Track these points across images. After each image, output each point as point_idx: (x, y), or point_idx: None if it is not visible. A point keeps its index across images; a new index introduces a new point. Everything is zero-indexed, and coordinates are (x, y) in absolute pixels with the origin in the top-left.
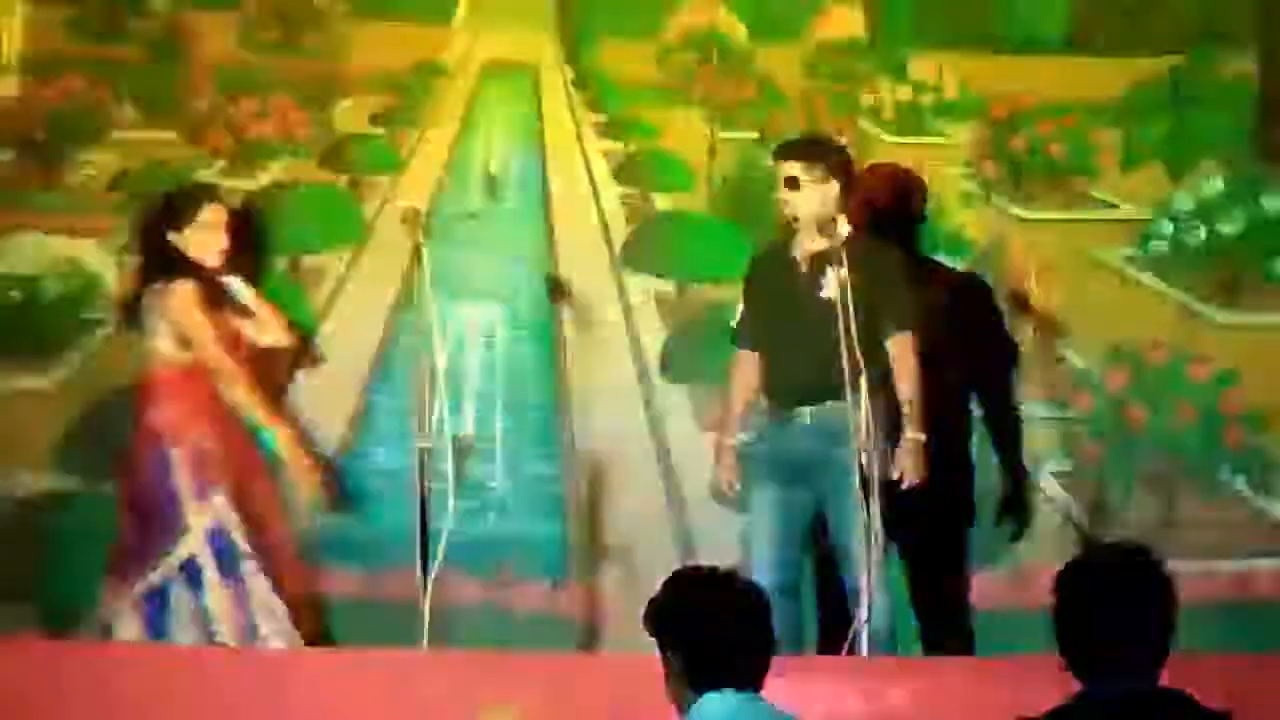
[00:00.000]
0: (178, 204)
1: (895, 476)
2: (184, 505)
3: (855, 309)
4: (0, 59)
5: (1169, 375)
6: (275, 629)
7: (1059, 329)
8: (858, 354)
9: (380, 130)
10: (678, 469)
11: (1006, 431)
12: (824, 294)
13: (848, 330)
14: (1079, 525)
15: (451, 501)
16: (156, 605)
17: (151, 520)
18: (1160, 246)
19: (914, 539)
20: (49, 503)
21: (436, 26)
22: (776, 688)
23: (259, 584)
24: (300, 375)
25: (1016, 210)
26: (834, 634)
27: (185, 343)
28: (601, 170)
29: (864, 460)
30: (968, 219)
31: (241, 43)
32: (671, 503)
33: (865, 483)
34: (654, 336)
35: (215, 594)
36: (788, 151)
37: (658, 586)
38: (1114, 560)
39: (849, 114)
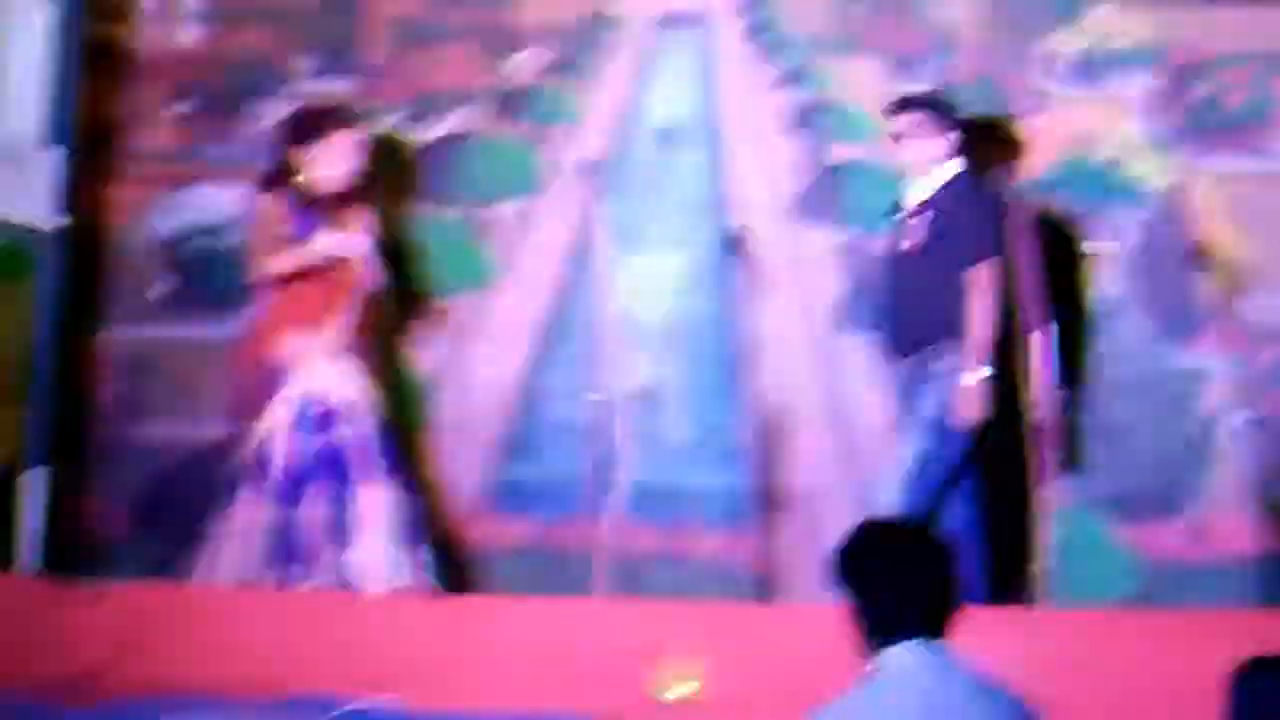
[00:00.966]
0: (305, 122)
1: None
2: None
3: (941, 254)
4: (179, 10)
5: None
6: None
7: (1241, 281)
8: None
9: (556, 81)
10: (854, 419)
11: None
12: (909, 244)
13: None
14: (1260, 478)
15: (628, 452)
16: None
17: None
18: None
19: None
20: (228, 449)
21: None
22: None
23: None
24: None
25: (1196, 162)
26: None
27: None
28: (776, 121)
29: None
30: (1146, 170)
31: None
32: (848, 453)
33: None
34: (830, 287)
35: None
36: (903, 102)
37: (833, 536)
38: None
39: (1025, 64)
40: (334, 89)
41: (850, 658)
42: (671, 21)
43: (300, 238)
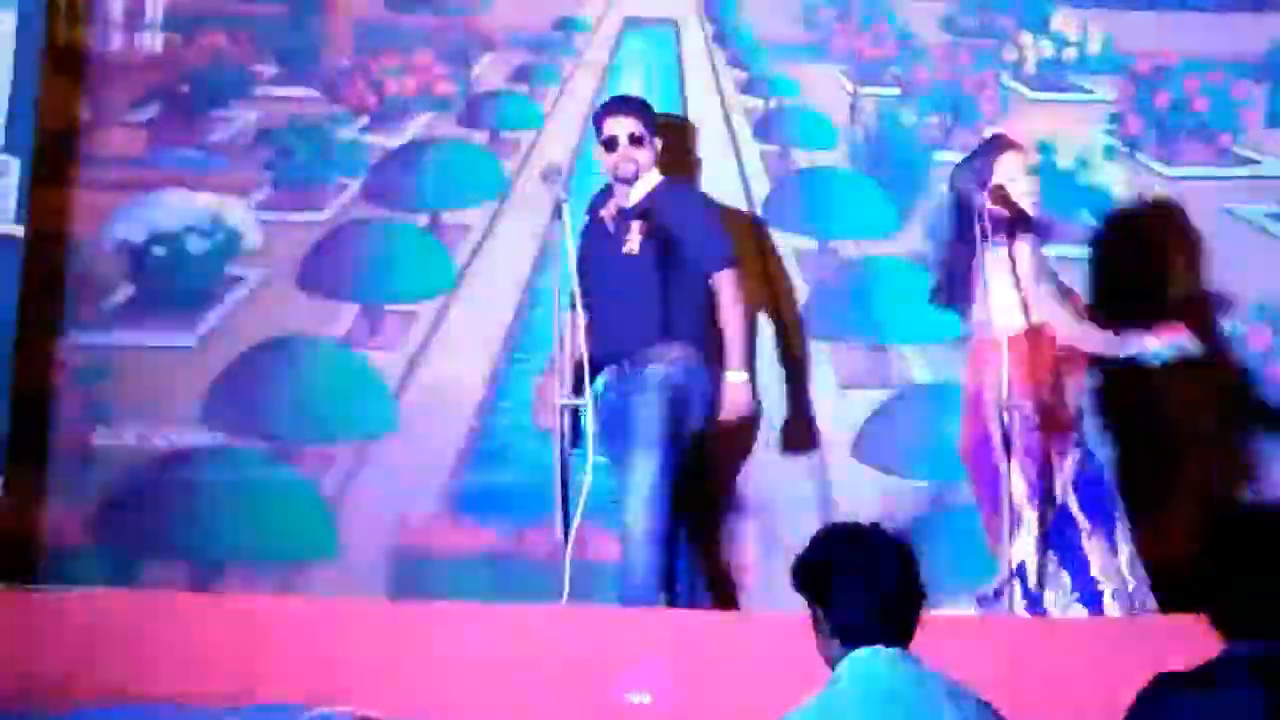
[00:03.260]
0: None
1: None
2: None
3: (667, 258)
4: (141, 15)
5: None
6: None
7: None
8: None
9: (521, 87)
10: (818, 424)
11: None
12: (628, 248)
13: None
14: (1219, 485)
15: (590, 458)
16: None
17: None
18: None
19: None
20: (192, 459)
21: None
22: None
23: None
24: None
25: (1160, 167)
26: None
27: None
28: (742, 127)
29: (1004, 418)
30: (1111, 175)
31: None
32: (811, 459)
33: (1006, 441)
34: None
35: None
36: (618, 106)
37: (798, 544)
38: (1257, 520)
39: (991, 69)
40: (296, 95)
41: (813, 664)
42: (638, 26)
43: None
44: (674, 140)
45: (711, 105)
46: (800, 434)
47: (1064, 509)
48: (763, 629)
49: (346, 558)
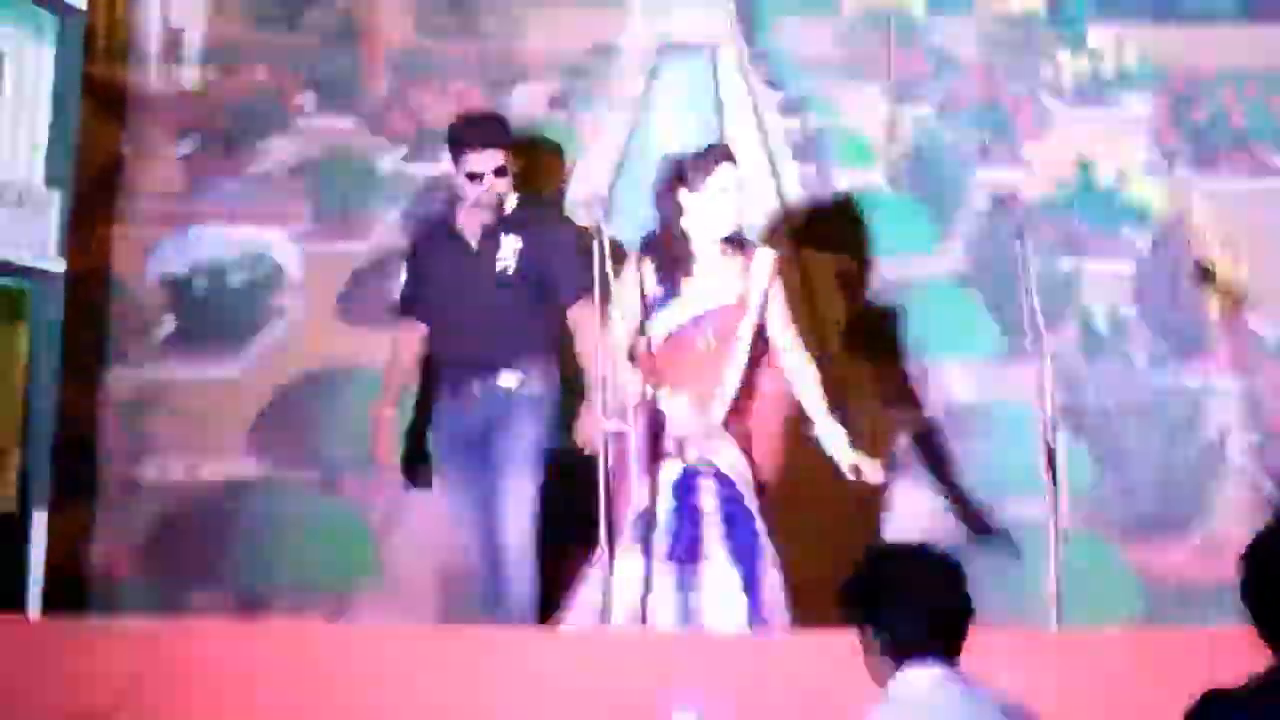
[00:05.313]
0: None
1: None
2: None
3: (529, 279)
4: (181, 50)
5: None
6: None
7: (1245, 299)
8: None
9: (559, 114)
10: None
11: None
12: (499, 266)
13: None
14: (1269, 496)
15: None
16: None
17: None
18: None
19: None
20: (238, 489)
21: (612, 8)
22: None
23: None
24: None
25: (1199, 180)
26: None
27: None
28: (781, 148)
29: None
30: (1150, 190)
31: (418, 28)
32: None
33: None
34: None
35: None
36: (482, 137)
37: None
38: None
39: (1027, 86)
40: (335, 126)
41: (859, 685)
42: (674, 50)
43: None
44: (534, 157)
45: (749, 126)
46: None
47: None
48: (807, 649)
49: (394, 586)
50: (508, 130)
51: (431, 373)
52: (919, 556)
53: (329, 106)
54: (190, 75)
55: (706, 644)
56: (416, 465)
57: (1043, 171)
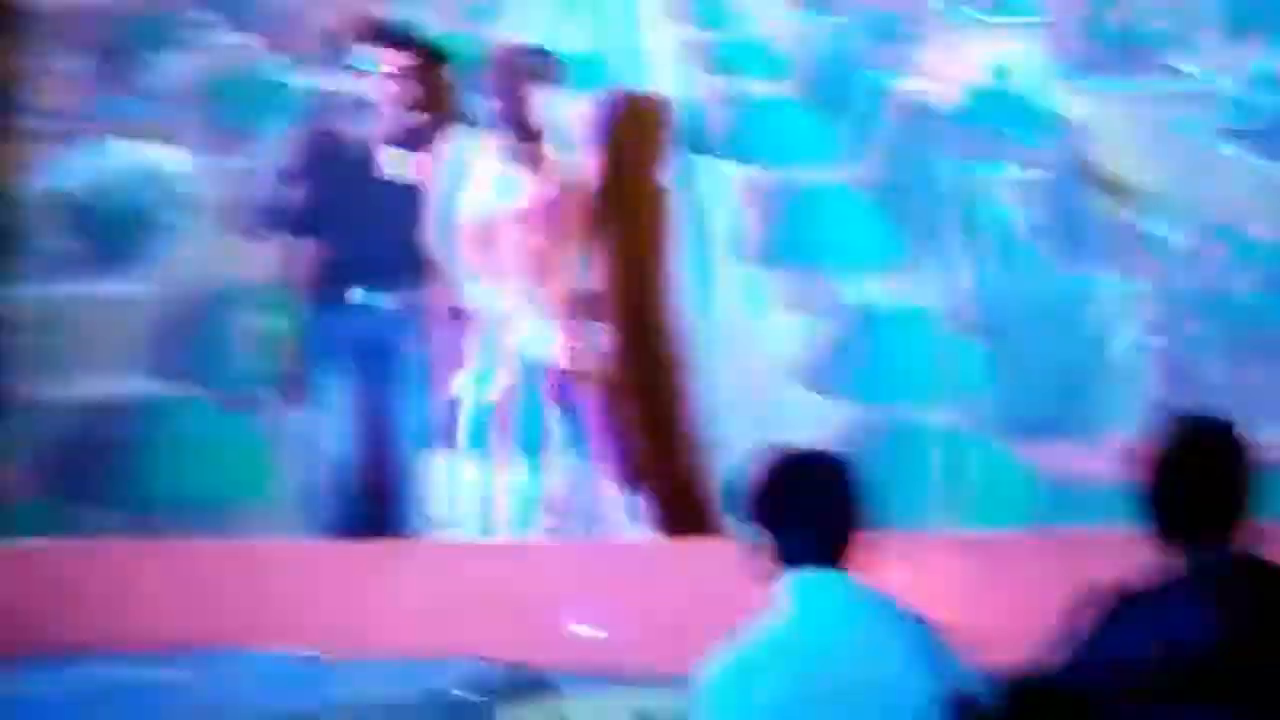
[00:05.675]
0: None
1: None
2: None
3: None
4: None
5: (1269, 248)
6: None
7: (1149, 202)
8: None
9: (464, 22)
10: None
11: None
12: (391, 176)
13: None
14: (1166, 399)
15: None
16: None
17: None
18: (1257, 121)
19: None
20: (134, 408)
21: None
22: None
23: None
24: None
25: (1109, 87)
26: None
27: None
28: (687, 58)
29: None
30: (1057, 97)
31: None
32: (753, 387)
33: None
34: (744, 220)
35: None
36: (383, 37)
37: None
38: (1193, 431)
39: None
40: (236, 41)
41: (752, 589)
42: None
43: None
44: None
45: (664, 40)
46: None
47: None
48: (701, 554)
49: (287, 501)
50: (412, 35)
51: (313, 288)
52: (810, 461)
53: (229, 21)
54: None
55: (599, 552)
56: (291, 382)
57: (953, 78)
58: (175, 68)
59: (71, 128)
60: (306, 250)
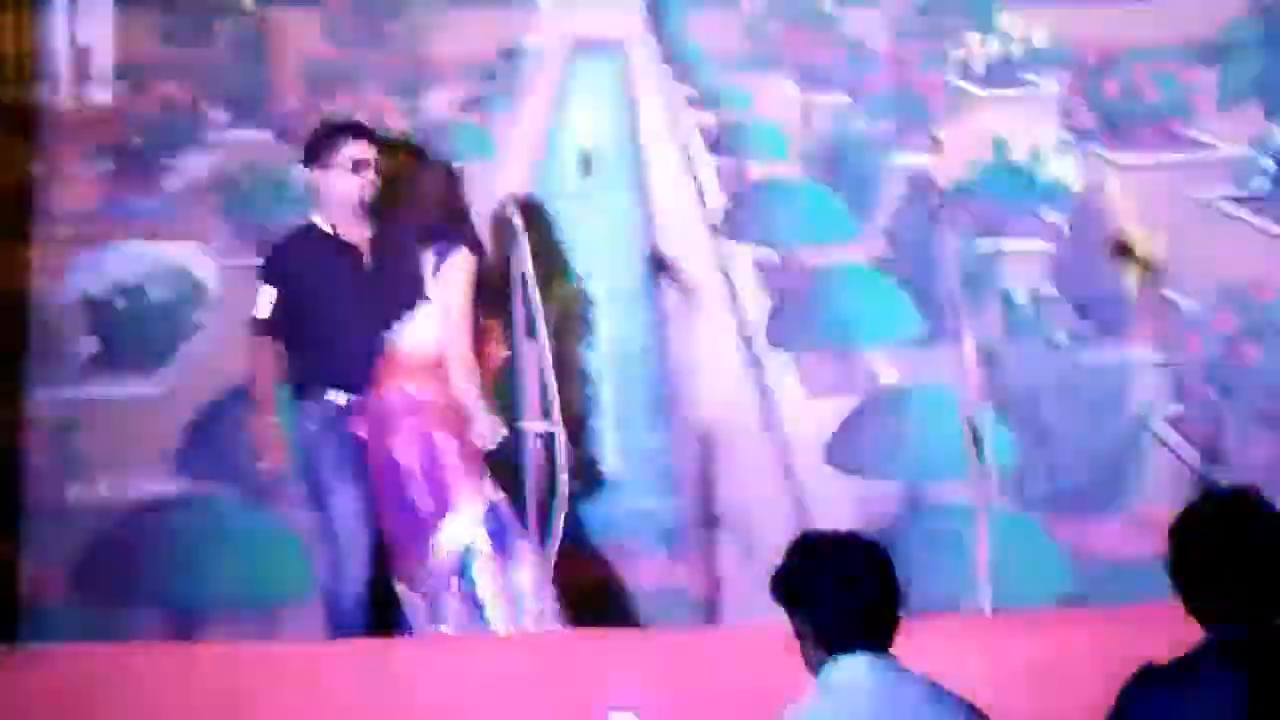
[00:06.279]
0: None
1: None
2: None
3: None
4: (91, 68)
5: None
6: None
7: (1162, 273)
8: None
9: (472, 116)
10: (787, 436)
11: None
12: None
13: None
14: (1193, 470)
15: (565, 482)
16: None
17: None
18: (1261, 184)
19: None
20: (162, 507)
21: (519, 8)
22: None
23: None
24: None
25: (1113, 156)
26: None
27: None
28: (696, 142)
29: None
30: (1065, 168)
31: (327, 38)
32: (783, 470)
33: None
34: (757, 304)
35: (488, 580)
36: (357, 127)
37: (772, 554)
38: (1228, 504)
39: (939, 70)
40: (249, 138)
41: (797, 676)
42: (586, 48)
43: None
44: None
45: (663, 123)
46: None
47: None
48: (746, 642)
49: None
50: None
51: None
52: (846, 544)
53: (241, 120)
54: (100, 93)
55: (640, 642)
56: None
57: (957, 154)
58: (193, 167)
59: (93, 230)
60: (281, 350)
